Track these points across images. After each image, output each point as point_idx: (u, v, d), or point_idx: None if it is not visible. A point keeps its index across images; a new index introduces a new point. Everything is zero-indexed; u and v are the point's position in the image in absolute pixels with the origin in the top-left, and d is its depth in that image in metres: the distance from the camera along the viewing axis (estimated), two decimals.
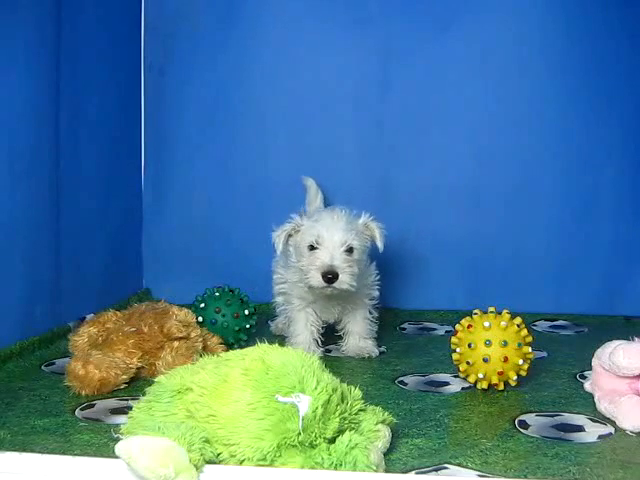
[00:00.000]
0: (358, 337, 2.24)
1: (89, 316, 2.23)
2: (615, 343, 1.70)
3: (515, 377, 1.85)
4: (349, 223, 2.09)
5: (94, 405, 1.76)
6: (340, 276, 2.02)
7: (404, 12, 2.68)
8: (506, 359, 1.82)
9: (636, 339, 1.69)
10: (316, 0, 2.72)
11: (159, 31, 2.78)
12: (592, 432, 1.61)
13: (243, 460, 1.31)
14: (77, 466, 1.27)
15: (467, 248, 2.68)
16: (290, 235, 2.15)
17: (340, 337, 2.27)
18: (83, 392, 1.81)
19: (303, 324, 2.21)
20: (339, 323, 2.27)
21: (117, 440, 1.24)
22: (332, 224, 2.07)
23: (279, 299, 2.36)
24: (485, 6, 2.66)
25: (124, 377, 1.88)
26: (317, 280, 2.03)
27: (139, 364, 1.93)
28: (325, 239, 2.05)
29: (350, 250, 2.06)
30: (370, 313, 2.26)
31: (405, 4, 2.68)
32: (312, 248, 2.07)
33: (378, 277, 2.28)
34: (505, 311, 1.90)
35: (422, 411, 1.74)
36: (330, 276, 2.02)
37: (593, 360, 1.77)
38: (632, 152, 2.66)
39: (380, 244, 2.14)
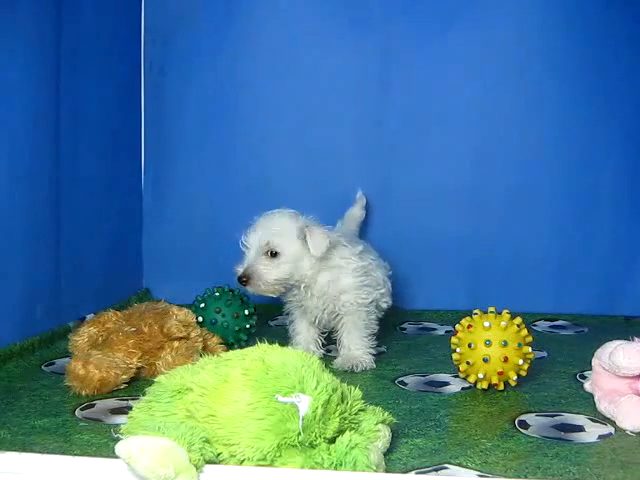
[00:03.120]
0: (348, 348, 2.12)
1: (89, 316, 2.23)
2: (615, 343, 1.70)
3: (515, 377, 1.85)
4: (278, 225, 2.06)
5: (94, 405, 1.76)
6: (252, 280, 2.02)
7: (404, 12, 2.68)
8: (506, 359, 1.82)
9: (636, 339, 1.69)
10: (316, 0, 2.72)
11: (159, 31, 2.78)
12: (592, 432, 1.61)
13: (243, 460, 1.31)
14: (77, 466, 1.28)
15: (467, 248, 2.68)
16: None
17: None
18: (83, 392, 1.81)
19: (303, 324, 2.20)
20: (335, 332, 2.18)
21: (117, 440, 1.24)
22: (256, 226, 2.08)
23: None
24: (485, 6, 2.65)
25: (124, 377, 1.88)
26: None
27: (139, 364, 1.93)
28: (247, 241, 2.06)
29: (274, 254, 2.03)
30: (364, 321, 2.13)
31: (405, 4, 2.68)
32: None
33: (382, 283, 2.23)
34: (505, 311, 1.90)
35: (422, 411, 1.74)
36: (244, 278, 2.02)
37: (593, 360, 1.77)
38: (632, 152, 2.65)
39: (312, 249, 2.03)
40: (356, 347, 2.12)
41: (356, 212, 2.56)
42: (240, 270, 2.03)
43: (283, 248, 2.03)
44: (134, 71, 2.77)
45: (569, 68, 2.64)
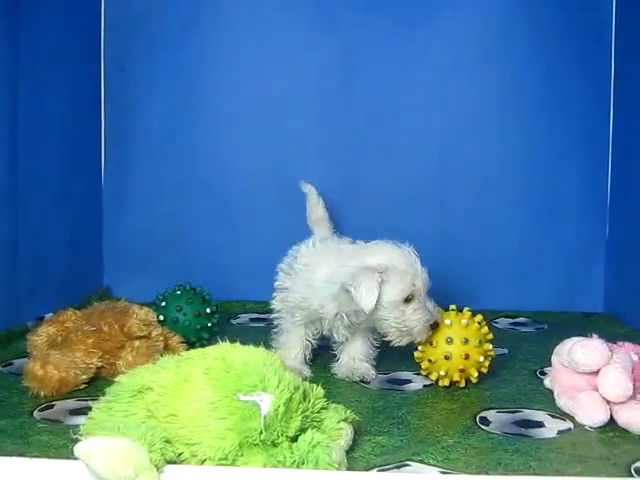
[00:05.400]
0: (353, 358, 2.02)
1: (48, 315, 2.19)
2: (574, 340, 1.72)
3: (476, 374, 1.86)
4: None
5: (53, 406, 1.73)
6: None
7: (366, 12, 2.68)
8: (467, 356, 1.83)
9: (594, 336, 1.72)
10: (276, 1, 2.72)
11: (120, 26, 2.75)
12: (552, 428, 1.63)
13: (204, 460, 1.31)
14: (35, 468, 1.26)
15: (430, 246, 2.66)
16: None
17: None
18: (42, 393, 1.78)
19: (297, 336, 2.03)
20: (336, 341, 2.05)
21: (76, 441, 1.23)
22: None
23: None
24: (446, 5, 2.67)
25: (84, 377, 1.86)
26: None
27: (99, 364, 1.91)
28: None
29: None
30: (373, 334, 2.03)
31: (367, 4, 2.68)
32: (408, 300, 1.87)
33: None
34: (466, 309, 1.92)
35: (384, 409, 1.75)
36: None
37: (552, 357, 1.79)
38: (592, 152, 2.69)
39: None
40: (365, 358, 2.03)
41: (315, 205, 2.33)
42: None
43: None
44: (94, 68, 2.73)
45: (531, 68, 2.66)
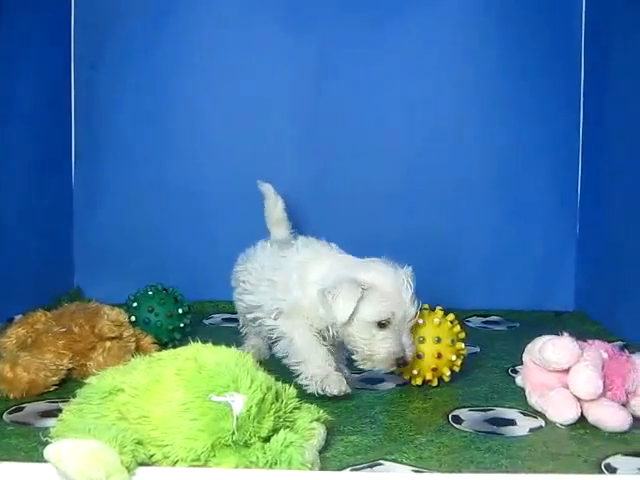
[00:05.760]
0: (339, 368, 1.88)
1: (17, 317, 2.16)
2: (545, 338, 1.74)
3: (449, 373, 1.87)
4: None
5: (23, 408, 1.71)
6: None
7: (338, 15, 2.68)
8: (439, 355, 1.84)
9: (565, 334, 1.73)
10: (252, 1, 2.71)
11: (91, 24, 2.72)
12: (523, 426, 1.64)
13: (177, 461, 1.30)
14: (4, 472, 1.24)
15: (401, 245, 2.68)
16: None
17: None
18: (11, 395, 1.76)
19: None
20: None
21: (46, 444, 1.22)
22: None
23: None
24: (417, 9, 2.68)
25: (54, 379, 1.84)
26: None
27: (70, 365, 1.89)
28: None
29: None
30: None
31: (339, 7, 2.68)
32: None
33: None
34: (438, 308, 1.93)
35: (357, 408, 1.75)
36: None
37: (524, 355, 1.80)
38: (562, 152, 2.71)
39: None
40: (345, 366, 1.95)
41: (274, 205, 2.26)
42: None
43: None
44: (64, 67, 2.71)
45: (503, 69, 2.69)
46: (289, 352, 1.84)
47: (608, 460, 1.45)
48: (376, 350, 1.75)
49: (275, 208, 2.25)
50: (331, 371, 1.78)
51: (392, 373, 1.88)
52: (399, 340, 1.75)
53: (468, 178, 2.72)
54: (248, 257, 2.12)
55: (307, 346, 1.82)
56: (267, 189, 2.28)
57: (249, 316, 2.05)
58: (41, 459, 1.21)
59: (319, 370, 1.77)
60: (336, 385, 1.74)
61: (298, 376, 1.78)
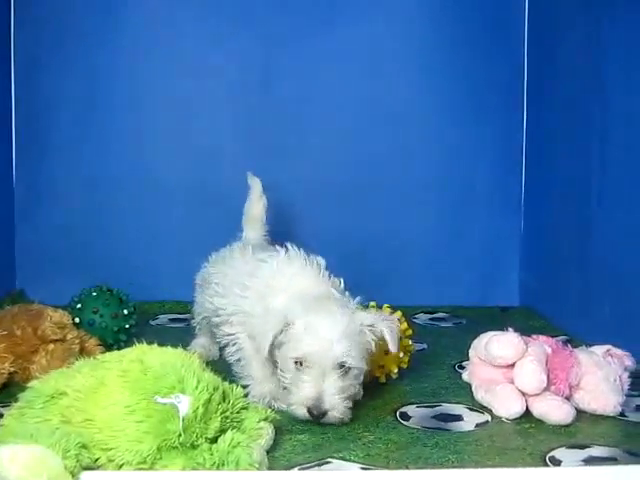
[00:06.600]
0: None
1: None
2: (490, 334, 1.76)
3: (396, 370, 1.88)
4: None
5: None
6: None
7: (284, 7, 2.68)
8: (387, 352, 1.84)
9: (510, 329, 1.75)
10: None
11: (29, 24, 2.66)
12: (470, 421, 1.65)
13: (122, 464, 1.28)
14: None
15: (347, 242, 2.70)
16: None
17: None
18: None
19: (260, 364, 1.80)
20: None
21: None
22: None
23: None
24: (366, 3, 2.70)
25: None
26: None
27: (11, 369, 1.85)
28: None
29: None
30: None
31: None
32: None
33: None
34: (386, 305, 1.94)
35: None
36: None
37: (470, 351, 1.82)
38: (503, 146, 2.77)
39: (392, 346, 1.70)
40: None
41: (257, 201, 2.20)
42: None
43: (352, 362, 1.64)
44: (4, 65, 2.65)
45: (449, 67, 2.73)
46: (239, 361, 1.81)
47: (553, 453, 1.47)
48: (293, 390, 1.63)
49: (257, 204, 2.19)
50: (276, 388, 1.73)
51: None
52: (318, 385, 1.59)
53: (412, 175, 2.75)
54: (224, 259, 2.03)
55: (255, 361, 1.78)
56: (255, 183, 2.21)
57: (215, 319, 1.92)
58: None
59: (265, 388, 1.75)
60: (283, 401, 1.69)
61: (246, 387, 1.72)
